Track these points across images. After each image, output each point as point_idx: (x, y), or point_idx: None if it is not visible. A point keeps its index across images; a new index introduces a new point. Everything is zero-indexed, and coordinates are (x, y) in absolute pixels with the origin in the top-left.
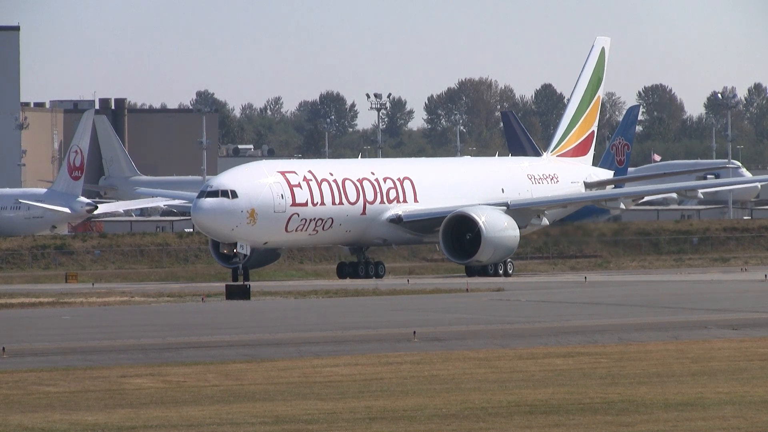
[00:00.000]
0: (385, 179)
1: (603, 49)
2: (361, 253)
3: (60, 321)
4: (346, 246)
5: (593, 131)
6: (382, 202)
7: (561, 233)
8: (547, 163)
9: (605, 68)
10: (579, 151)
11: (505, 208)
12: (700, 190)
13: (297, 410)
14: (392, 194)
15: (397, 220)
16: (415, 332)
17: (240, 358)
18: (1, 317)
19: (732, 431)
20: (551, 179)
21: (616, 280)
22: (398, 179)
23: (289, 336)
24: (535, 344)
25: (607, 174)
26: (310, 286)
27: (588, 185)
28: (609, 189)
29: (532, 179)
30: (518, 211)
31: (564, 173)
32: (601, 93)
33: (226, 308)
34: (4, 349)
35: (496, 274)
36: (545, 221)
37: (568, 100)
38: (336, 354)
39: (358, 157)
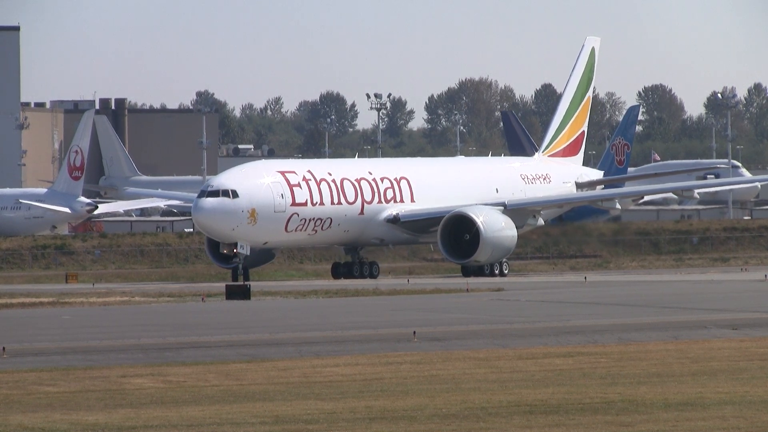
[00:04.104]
0: (382, 179)
1: (593, 49)
2: (356, 253)
3: (60, 321)
4: (343, 246)
5: (584, 131)
6: (379, 202)
7: (561, 233)
8: (538, 163)
9: (595, 68)
10: (570, 151)
11: (502, 208)
12: (698, 190)
13: (297, 410)
14: (389, 194)
15: (394, 220)
16: (415, 332)
17: (240, 358)
18: (1, 317)
19: (732, 431)
20: (544, 179)
21: (616, 280)
22: (395, 179)
23: (289, 336)
24: (535, 344)
25: (597, 174)
26: (309, 286)
27: (579, 185)
28: (599, 189)
29: (525, 179)
30: (515, 211)
31: (556, 173)
32: (591, 93)
33: (226, 308)
34: (4, 349)
35: (492, 274)
36: (541, 221)
37: (559, 100)
38: (336, 354)
39: (355, 158)
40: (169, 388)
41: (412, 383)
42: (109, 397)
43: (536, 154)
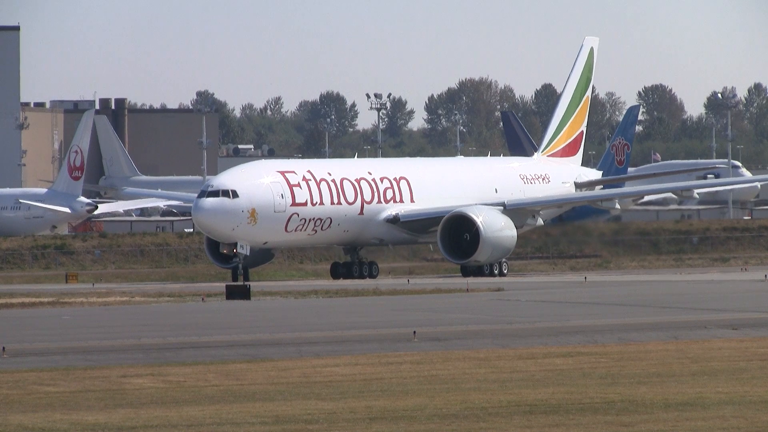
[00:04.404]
0: (382, 179)
1: (592, 49)
2: (355, 253)
3: (60, 321)
4: (343, 246)
5: (582, 131)
6: (379, 202)
7: (561, 233)
8: (537, 163)
9: (594, 68)
10: (568, 151)
11: (501, 208)
12: (698, 190)
13: (297, 410)
14: (389, 194)
15: (393, 220)
16: (415, 332)
17: (240, 358)
18: (1, 317)
19: (732, 431)
20: (543, 179)
21: (616, 280)
22: (395, 179)
23: (289, 336)
24: (535, 344)
25: (595, 174)
26: (309, 286)
27: (578, 185)
28: (598, 189)
29: (524, 179)
30: (515, 211)
31: (555, 173)
32: (589, 93)
33: (226, 308)
34: (4, 349)
35: (491, 274)
36: (540, 221)
37: (558, 100)
38: (336, 354)
39: (356, 158)
40: (169, 388)
41: (412, 383)
42: (109, 397)
43: (535, 154)
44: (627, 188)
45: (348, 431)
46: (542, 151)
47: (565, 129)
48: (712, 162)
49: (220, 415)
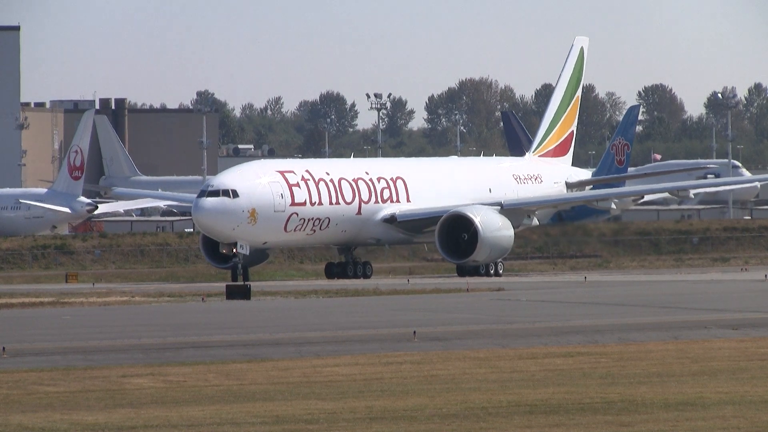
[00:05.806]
0: (379, 179)
1: (582, 49)
2: (349, 253)
3: (60, 321)
4: (339, 246)
5: (573, 131)
6: (376, 201)
7: (561, 233)
8: (529, 163)
9: (584, 68)
10: (559, 151)
11: (499, 207)
12: (699, 190)
13: (297, 410)
14: (386, 194)
15: (391, 220)
16: (415, 332)
17: (240, 358)
18: (1, 317)
19: (732, 431)
20: (535, 179)
21: (616, 280)
22: (391, 179)
23: (289, 336)
24: (535, 344)
25: (585, 174)
26: (309, 286)
27: (569, 185)
28: (588, 189)
29: (517, 179)
30: (511, 211)
31: (547, 173)
32: (580, 93)
33: (226, 308)
34: (4, 349)
35: (487, 274)
36: (535, 221)
37: (548, 101)
38: (336, 354)
39: (352, 158)
40: (169, 388)
41: (412, 383)
42: (109, 397)
43: (527, 154)
44: (625, 188)
45: (348, 431)
46: (533, 151)
47: (555, 129)
48: (707, 162)
49: (220, 415)
